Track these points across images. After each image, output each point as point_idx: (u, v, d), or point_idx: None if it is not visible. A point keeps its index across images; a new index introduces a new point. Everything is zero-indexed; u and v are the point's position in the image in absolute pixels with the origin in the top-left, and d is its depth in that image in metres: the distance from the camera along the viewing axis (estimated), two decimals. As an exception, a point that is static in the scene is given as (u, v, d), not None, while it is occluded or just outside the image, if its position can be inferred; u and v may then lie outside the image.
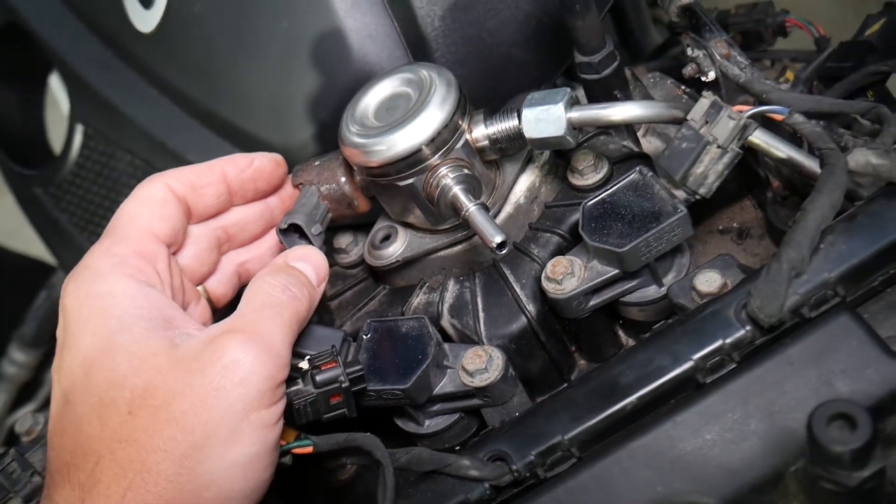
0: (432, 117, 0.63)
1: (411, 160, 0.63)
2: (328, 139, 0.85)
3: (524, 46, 0.80)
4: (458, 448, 0.67)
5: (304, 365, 0.58)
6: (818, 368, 0.50)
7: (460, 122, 0.65)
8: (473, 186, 0.64)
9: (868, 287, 0.54)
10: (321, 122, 0.84)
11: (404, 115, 0.64)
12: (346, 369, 0.58)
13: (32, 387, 1.38)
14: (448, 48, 0.80)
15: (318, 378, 0.57)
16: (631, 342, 0.71)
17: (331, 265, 0.79)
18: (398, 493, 0.56)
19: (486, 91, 0.82)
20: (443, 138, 0.63)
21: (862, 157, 0.56)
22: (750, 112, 0.60)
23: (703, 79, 0.74)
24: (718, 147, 0.60)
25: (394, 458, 0.57)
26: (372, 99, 0.68)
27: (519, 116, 0.64)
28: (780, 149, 0.64)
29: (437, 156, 0.64)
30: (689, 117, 0.61)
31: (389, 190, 0.67)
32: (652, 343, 0.56)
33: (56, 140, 1.08)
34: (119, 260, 0.58)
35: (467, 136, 0.65)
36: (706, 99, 0.61)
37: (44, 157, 1.10)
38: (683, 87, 0.77)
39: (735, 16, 1.00)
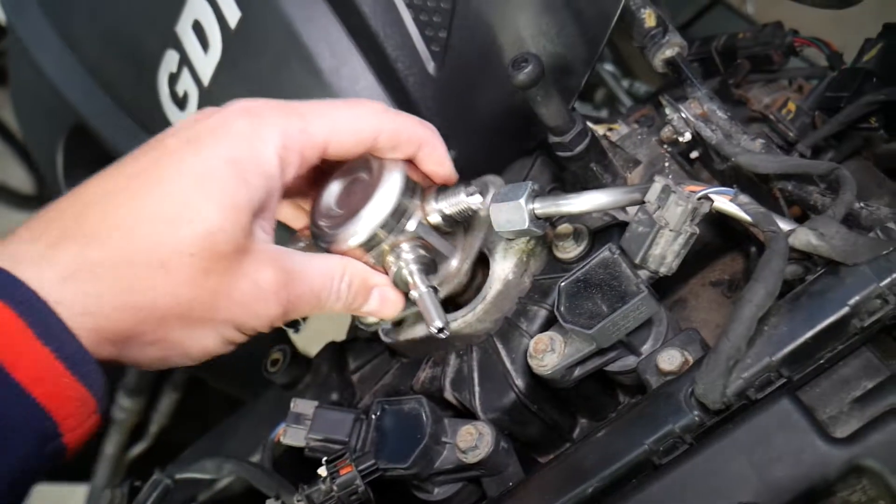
0: (381, 202, 0.67)
1: (369, 243, 0.67)
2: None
3: (512, 118, 0.84)
4: (467, 510, 0.74)
5: (323, 472, 0.66)
6: (758, 453, 0.53)
7: (409, 203, 0.68)
8: (427, 265, 0.69)
9: (815, 365, 0.56)
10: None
11: (358, 202, 0.68)
12: (359, 467, 0.66)
13: (141, 427, 1.55)
14: (441, 117, 0.86)
15: (337, 482, 0.65)
16: (627, 399, 0.75)
17: (356, 337, 0.87)
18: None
19: (480, 159, 0.87)
20: (394, 220, 0.67)
21: (804, 237, 0.58)
22: (699, 194, 0.62)
23: (680, 139, 0.76)
24: (671, 230, 0.63)
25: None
26: (333, 189, 0.72)
27: (466, 192, 0.69)
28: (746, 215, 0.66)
29: (390, 237, 0.68)
30: (646, 199, 0.65)
31: None
32: (612, 427, 0.60)
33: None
34: (286, 141, 0.59)
35: (420, 214, 0.69)
36: (658, 183, 0.63)
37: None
38: (666, 147, 0.79)
39: (742, 40, 1.00)
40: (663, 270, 0.65)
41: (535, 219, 0.68)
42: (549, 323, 0.73)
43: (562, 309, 0.67)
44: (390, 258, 0.69)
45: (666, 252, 0.64)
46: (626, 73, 1.61)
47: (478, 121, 0.86)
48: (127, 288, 0.53)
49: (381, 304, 0.69)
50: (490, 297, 0.75)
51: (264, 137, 0.59)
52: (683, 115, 0.75)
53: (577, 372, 0.70)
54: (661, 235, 0.63)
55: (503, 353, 0.73)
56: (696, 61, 1.05)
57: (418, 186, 0.70)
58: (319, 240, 0.69)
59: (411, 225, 0.68)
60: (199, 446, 0.92)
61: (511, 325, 0.74)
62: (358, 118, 0.64)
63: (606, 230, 0.74)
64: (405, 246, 0.68)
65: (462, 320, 0.76)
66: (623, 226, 0.75)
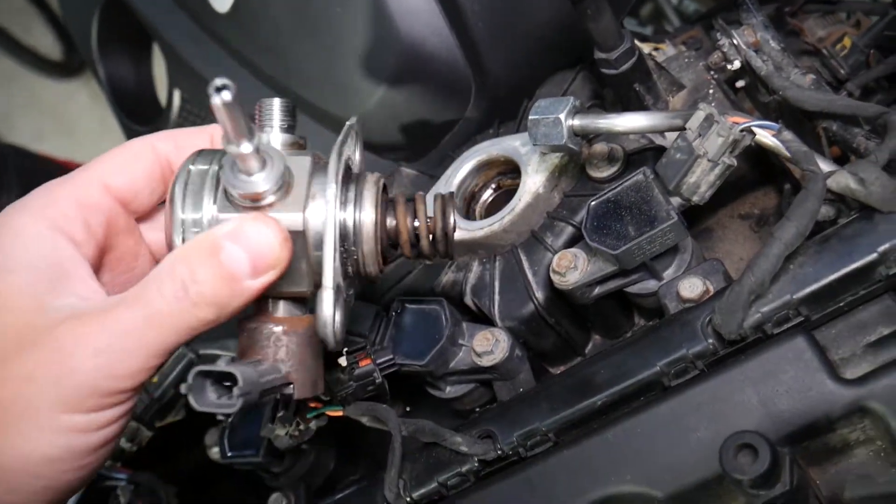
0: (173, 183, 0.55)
1: (184, 224, 0.54)
2: (386, 112, 0.93)
3: (557, 29, 0.82)
4: (477, 410, 0.77)
5: (343, 362, 0.68)
6: (766, 385, 0.55)
7: (197, 195, 0.54)
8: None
9: (835, 307, 0.57)
10: (379, 97, 0.92)
11: None
12: (377, 360, 0.68)
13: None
14: (486, 22, 0.84)
15: (355, 373, 0.67)
16: (642, 321, 0.77)
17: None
18: (407, 457, 0.67)
19: (521, 69, 0.86)
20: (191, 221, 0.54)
21: (843, 180, 0.57)
22: (742, 126, 0.62)
23: (729, 66, 0.75)
24: (709, 160, 0.62)
25: (403, 427, 0.67)
26: None
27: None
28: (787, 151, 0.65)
29: (194, 199, 0.54)
30: (687, 126, 0.64)
31: None
32: (626, 346, 0.62)
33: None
34: (49, 201, 0.54)
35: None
36: (701, 111, 0.63)
37: (155, 113, 1.24)
38: (712, 73, 0.78)
39: (804, -34, 0.96)
40: (696, 199, 0.65)
41: (574, 135, 0.67)
42: (575, 240, 0.74)
43: (589, 227, 0.68)
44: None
45: (701, 181, 0.64)
46: (677, -13, 1.55)
47: (522, 28, 0.84)
48: None
49: (249, 244, 0.50)
50: (519, 208, 0.76)
51: (19, 221, 0.53)
52: (735, 41, 0.73)
53: (598, 290, 0.71)
54: (698, 164, 0.63)
55: (526, 264, 0.74)
56: (753, -16, 1.02)
57: (213, 151, 0.56)
58: None
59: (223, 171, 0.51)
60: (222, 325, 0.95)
61: (536, 239, 0.75)
62: (126, 145, 0.58)
63: (641, 153, 0.74)
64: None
65: (488, 229, 0.77)
66: (659, 150, 0.75)
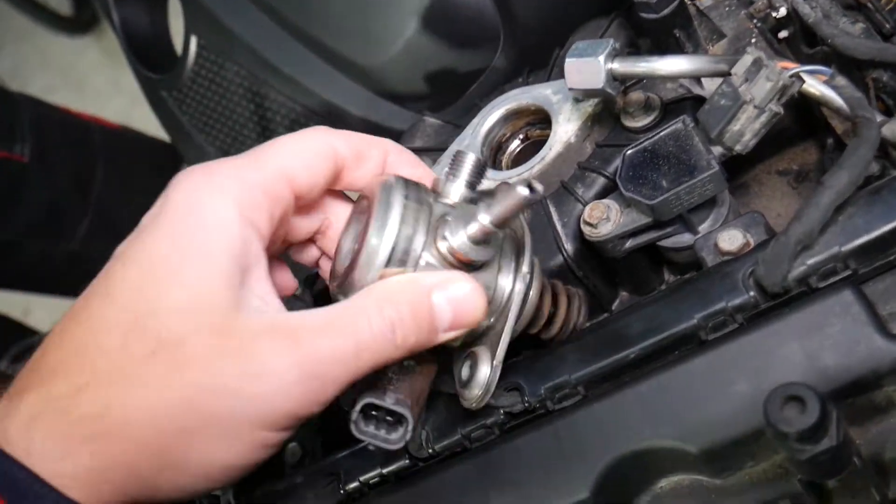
0: (383, 203, 0.52)
1: (396, 255, 0.52)
2: (411, 60, 0.90)
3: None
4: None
5: None
6: (811, 339, 0.53)
7: (419, 194, 0.54)
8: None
9: (885, 261, 0.54)
10: (403, 44, 0.89)
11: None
12: None
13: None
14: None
15: None
16: (672, 278, 0.75)
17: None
18: (429, 408, 0.65)
19: (555, 18, 0.83)
20: (412, 217, 0.52)
21: (898, 128, 0.55)
22: (792, 72, 0.59)
23: (773, 14, 0.71)
24: (755, 107, 0.59)
25: (428, 378, 0.65)
26: (345, 239, 0.59)
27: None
28: (836, 99, 0.62)
29: (417, 237, 0.52)
30: (732, 72, 0.61)
31: None
32: (662, 298, 0.60)
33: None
34: (244, 186, 0.51)
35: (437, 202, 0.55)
36: (749, 55, 0.60)
37: (169, 62, 1.21)
38: (755, 21, 0.74)
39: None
40: (738, 148, 0.62)
41: (612, 79, 0.65)
42: (606, 191, 0.71)
43: (624, 177, 0.66)
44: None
45: (745, 129, 0.61)
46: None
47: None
48: (99, 413, 0.47)
49: (455, 300, 0.51)
50: (549, 158, 0.73)
51: (215, 201, 0.50)
52: (782, -14, 0.70)
53: (630, 243, 0.69)
54: (743, 111, 0.60)
55: (555, 216, 0.72)
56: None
57: (416, 184, 0.56)
58: (346, 290, 0.53)
59: (438, 209, 0.53)
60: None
61: (566, 189, 0.73)
62: (307, 137, 0.56)
63: (679, 103, 0.71)
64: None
65: (517, 179, 0.74)
66: (698, 100, 0.72)
